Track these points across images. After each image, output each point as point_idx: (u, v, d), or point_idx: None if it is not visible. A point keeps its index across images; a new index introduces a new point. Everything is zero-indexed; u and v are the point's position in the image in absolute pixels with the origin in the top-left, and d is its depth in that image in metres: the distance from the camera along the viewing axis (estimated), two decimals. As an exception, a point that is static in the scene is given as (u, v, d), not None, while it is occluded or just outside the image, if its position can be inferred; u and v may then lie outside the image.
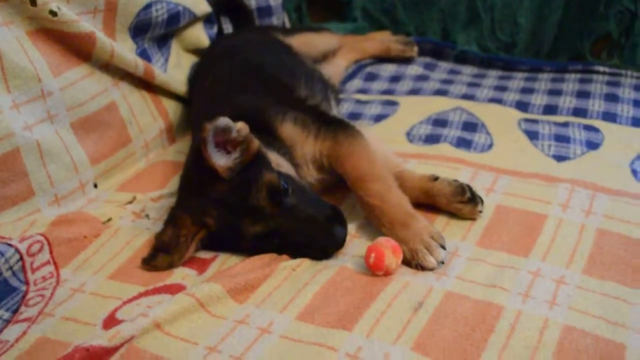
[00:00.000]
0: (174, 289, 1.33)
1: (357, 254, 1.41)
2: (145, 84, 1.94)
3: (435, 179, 1.52)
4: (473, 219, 1.49)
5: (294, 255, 1.41)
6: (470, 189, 1.49)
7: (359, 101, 2.13)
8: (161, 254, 1.41)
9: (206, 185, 1.39)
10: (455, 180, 1.51)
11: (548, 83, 2.16)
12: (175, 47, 2.10)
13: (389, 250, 1.32)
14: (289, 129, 1.57)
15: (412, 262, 1.36)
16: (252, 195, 1.37)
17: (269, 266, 1.36)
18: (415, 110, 2.02)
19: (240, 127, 1.39)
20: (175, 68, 2.06)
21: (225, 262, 1.43)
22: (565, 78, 2.17)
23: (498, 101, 2.05)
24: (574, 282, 1.30)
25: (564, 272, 1.32)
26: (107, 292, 1.36)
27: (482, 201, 1.49)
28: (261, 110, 1.58)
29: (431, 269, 1.35)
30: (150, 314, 1.20)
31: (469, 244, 1.42)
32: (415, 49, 2.36)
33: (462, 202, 1.48)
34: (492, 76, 2.25)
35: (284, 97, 1.68)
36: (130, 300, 1.32)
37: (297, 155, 1.56)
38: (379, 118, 2.00)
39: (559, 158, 1.72)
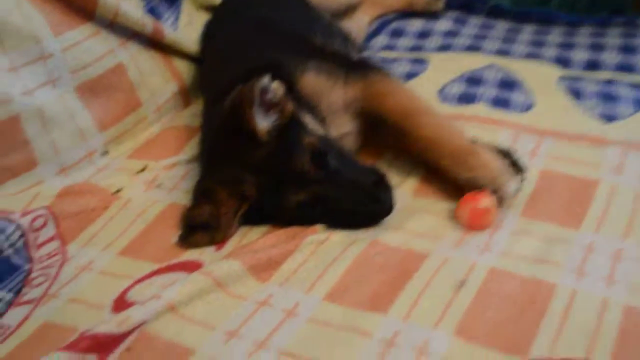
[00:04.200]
0: (190, 267, 1.21)
1: (390, 225, 1.28)
2: (155, 44, 1.80)
3: (474, 142, 1.38)
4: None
5: (338, 224, 1.28)
6: (512, 153, 1.35)
7: (385, 59, 1.98)
8: (200, 232, 1.29)
9: (241, 151, 1.26)
10: (496, 145, 1.37)
11: (589, 37, 1.99)
12: (186, 4, 1.96)
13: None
14: (312, 80, 1.43)
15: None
16: (294, 159, 1.24)
17: (293, 240, 1.24)
18: (446, 67, 1.86)
19: (276, 88, 1.26)
20: (187, 26, 1.92)
21: (245, 235, 1.30)
22: (607, 32, 2.00)
23: (536, 57, 1.89)
24: (633, 256, 1.16)
25: (621, 244, 1.18)
26: (117, 270, 1.24)
27: (525, 169, 1.34)
28: (278, 64, 1.44)
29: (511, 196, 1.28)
30: (163, 295, 1.09)
31: (513, 215, 1.28)
32: (441, 2, 2.19)
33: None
34: (528, 31, 2.08)
35: (301, 47, 1.54)
36: (142, 280, 1.20)
37: (323, 108, 1.43)
38: (408, 76, 1.85)
39: (607, 118, 1.56)
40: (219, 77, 1.54)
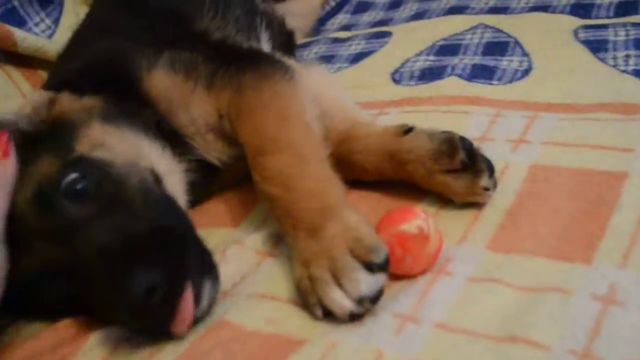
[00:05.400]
0: None
1: (254, 291, 0.74)
2: (16, 56, 1.34)
3: (407, 131, 0.83)
4: (476, 202, 0.78)
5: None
6: (466, 144, 0.79)
7: (336, 40, 1.45)
8: None
9: None
10: (444, 132, 0.81)
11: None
12: (71, 3, 1.50)
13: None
14: (162, 80, 0.91)
15: (308, 299, 0.68)
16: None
17: (75, 341, 0.71)
18: (413, 39, 1.32)
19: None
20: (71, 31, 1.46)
21: (19, 333, 0.77)
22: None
23: (544, 9, 1.32)
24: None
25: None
26: None
27: (490, 169, 0.78)
28: (121, 55, 0.94)
29: (341, 316, 0.66)
30: None
31: (474, 248, 0.73)
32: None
33: (450, 171, 0.78)
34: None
35: (169, 32, 1.05)
36: None
37: (182, 122, 0.91)
38: (357, 58, 1.32)
39: (645, 74, 0.99)
40: (59, 66, 1.15)
